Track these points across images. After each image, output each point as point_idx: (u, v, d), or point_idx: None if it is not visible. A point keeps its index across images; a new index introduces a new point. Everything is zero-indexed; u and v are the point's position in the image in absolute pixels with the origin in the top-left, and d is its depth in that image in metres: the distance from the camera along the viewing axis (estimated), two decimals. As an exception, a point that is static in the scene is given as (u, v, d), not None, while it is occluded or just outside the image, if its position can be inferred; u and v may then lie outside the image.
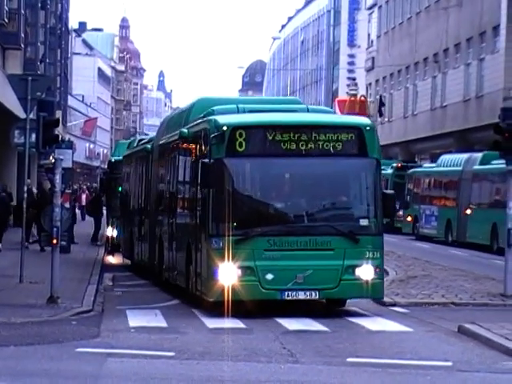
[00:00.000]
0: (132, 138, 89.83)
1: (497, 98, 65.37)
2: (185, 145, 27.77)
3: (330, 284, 22.30)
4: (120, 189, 48.75)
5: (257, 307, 21.81)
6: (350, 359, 19.41)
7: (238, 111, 27.60)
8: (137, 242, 39.48)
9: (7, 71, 48.51)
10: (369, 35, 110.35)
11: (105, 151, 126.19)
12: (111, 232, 47.81)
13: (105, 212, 57.34)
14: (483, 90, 72.72)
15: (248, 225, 22.26)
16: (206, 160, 22.44)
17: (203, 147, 23.44)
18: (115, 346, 22.22)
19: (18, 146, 42.14)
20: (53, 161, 34.27)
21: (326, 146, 22.46)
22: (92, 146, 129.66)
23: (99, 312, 28.44)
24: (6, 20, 48.15)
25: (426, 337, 23.77)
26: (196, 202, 24.63)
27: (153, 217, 34.49)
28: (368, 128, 22.64)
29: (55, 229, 29.51)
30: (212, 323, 25.23)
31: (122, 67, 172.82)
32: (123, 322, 26.83)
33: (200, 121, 25.48)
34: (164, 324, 26.78)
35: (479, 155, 60.98)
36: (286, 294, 21.99)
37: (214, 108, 27.10)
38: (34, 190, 48.82)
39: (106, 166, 65.01)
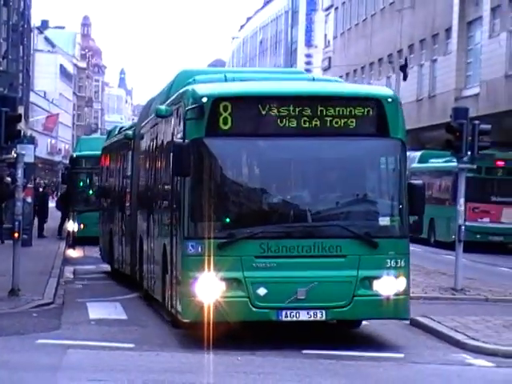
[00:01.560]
0: (96, 134, 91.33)
1: (448, 98, 68.70)
2: (162, 125, 23.73)
3: (340, 301, 17.83)
4: (82, 183, 51.56)
5: (247, 330, 18.31)
6: (304, 351, 18.70)
7: (225, 80, 23.15)
8: (117, 243, 35.19)
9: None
10: (325, 36, 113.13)
11: (66, 146, 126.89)
12: (72, 226, 48.15)
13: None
14: (435, 90, 76.10)
15: (234, 225, 17.95)
16: (180, 140, 18.70)
17: (179, 126, 19.55)
18: (75, 338, 22.21)
19: None
20: (15, 156, 33.94)
21: (336, 123, 17.94)
22: (54, 141, 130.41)
23: (60, 304, 28.34)
24: None
25: (378, 329, 22.99)
26: (171, 196, 20.76)
27: (133, 214, 30.36)
28: (390, 100, 18.21)
29: (17, 222, 29.87)
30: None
31: (83, 64, 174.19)
32: (84, 314, 26.68)
33: (177, 93, 21.40)
34: (124, 316, 26.80)
35: (418, 154, 64.15)
36: (284, 313, 17.64)
37: (196, 77, 22.84)
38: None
39: (67, 162, 65.15)
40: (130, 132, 32.10)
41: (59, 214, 58.39)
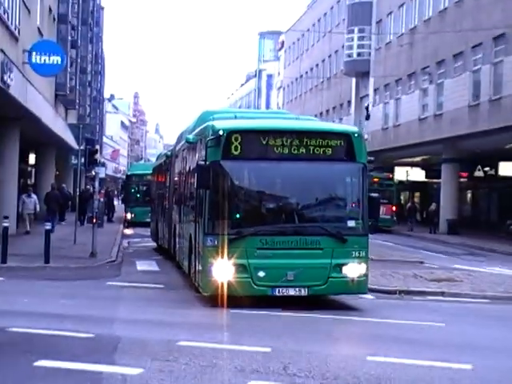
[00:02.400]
0: (141, 162, 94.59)
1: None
2: (189, 149, 23.25)
3: (318, 281, 17.79)
4: (132, 190, 56.69)
5: (249, 302, 17.62)
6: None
7: (235, 118, 22.89)
8: (160, 229, 34.55)
9: (68, 122, 52.01)
10: (277, 103, 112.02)
11: (123, 168, 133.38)
12: (128, 216, 53.71)
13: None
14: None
15: (241, 225, 17.97)
16: (203, 162, 18.27)
17: (203, 151, 18.96)
18: (129, 281, 23.57)
19: (74, 165, 53.17)
20: (93, 173, 36.97)
21: (317, 150, 17.97)
22: (116, 165, 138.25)
23: (120, 261, 30.03)
24: (68, 92, 51.34)
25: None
26: (196, 202, 20.20)
27: (170, 210, 29.61)
28: (356, 135, 18.40)
29: (95, 213, 31.71)
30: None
31: (134, 120, 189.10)
32: (133, 267, 28.64)
33: (201, 127, 21.06)
34: (157, 269, 28.54)
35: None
36: (277, 290, 17.60)
37: (214, 116, 22.47)
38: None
39: (124, 177, 69.65)
40: (169, 153, 32.07)
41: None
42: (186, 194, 23.91)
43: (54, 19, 50.97)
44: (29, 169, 57.29)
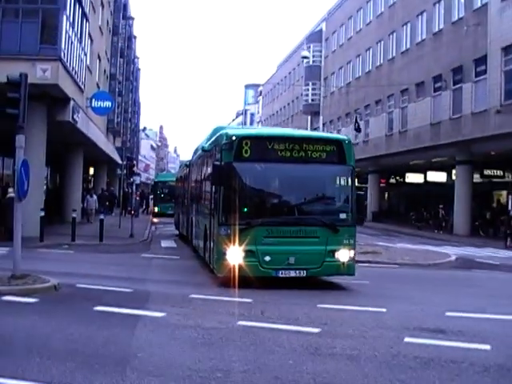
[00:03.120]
0: (164, 172, 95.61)
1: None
2: (205, 157, 20.70)
3: (315, 265, 15.77)
4: (158, 192, 55.44)
5: (255, 282, 15.39)
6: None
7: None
8: (181, 220, 31.31)
9: (115, 145, 52.58)
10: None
11: (152, 177, 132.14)
12: (155, 209, 53.14)
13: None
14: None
15: (250, 216, 15.76)
16: (218, 163, 16.27)
17: (217, 155, 17.09)
18: (156, 254, 23.54)
19: (119, 175, 54.49)
20: (132, 181, 36.65)
21: (313, 154, 16.12)
22: (147, 175, 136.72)
23: (149, 241, 29.64)
24: (116, 126, 52.40)
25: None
26: (211, 197, 17.89)
27: (189, 205, 26.53)
28: (347, 142, 16.61)
29: (133, 207, 31.18)
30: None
31: (159, 144, 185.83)
32: (159, 244, 28.39)
33: (215, 136, 19.03)
34: (175, 245, 28.31)
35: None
36: (280, 272, 15.53)
37: (226, 128, 20.91)
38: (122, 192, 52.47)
39: (153, 183, 69.91)
40: (187, 163, 29.15)
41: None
42: (203, 193, 21.03)
43: (107, 77, 51.68)
44: (89, 177, 57.61)
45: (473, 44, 37.70)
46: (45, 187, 33.41)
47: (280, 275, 15.47)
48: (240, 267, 15.09)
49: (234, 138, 15.63)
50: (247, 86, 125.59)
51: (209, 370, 8.04)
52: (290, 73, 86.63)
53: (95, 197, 39.14)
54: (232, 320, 11.16)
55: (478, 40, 37.12)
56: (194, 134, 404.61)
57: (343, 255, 15.88)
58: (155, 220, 47.20)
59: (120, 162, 45.37)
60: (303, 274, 15.63)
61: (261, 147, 15.88)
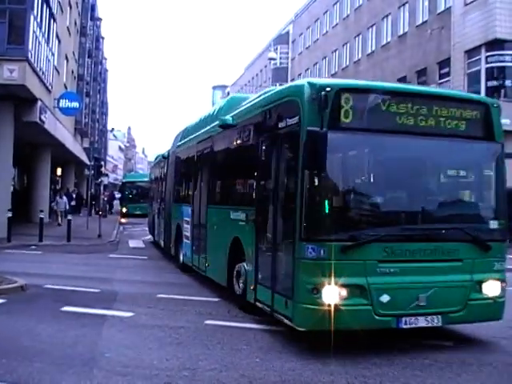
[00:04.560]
0: (132, 172, 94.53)
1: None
2: (226, 135, 13.71)
3: (455, 306, 9.53)
4: (126, 192, 53.88)
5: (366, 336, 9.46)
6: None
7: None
8: (158, 226, 24.45)
9: (83, 146, 52.13)
10: None
11: (120, 177, 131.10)
12: (124, 209, 51.37)
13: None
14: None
15: (358, 226, 9.34)
16: (316, 129, 8.80)
17: (282, 122, 10.06)
18: (124, 254, 23.25)
19: (87, 175, 48.81)
20: (100, 181, 36.47)
21: (449, 124, 9.72)
22: (115, 176, 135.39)
23: (117, 241, 29.08)
24: (83, 126, 52.36)
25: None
26: (261, 194, 11.00)
27: (175, 207, 19.75)
28: (496, 105, 10.18)
29: (100, 207, 30.48)
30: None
31: (128, 144, 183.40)
32: (127, 244, 28.03)
33: (273, 93, 11.32)
34: (143, 246, 27.93)
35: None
36: (404, 320, 9.26)
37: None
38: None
39: (121, 183, 69.51)
40: (166, 154, 22.71)
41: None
42: (225, 189, 14.14)
43: (75, 78, 51.18)
44: (57, 178, 56.43)
45: (437, 47, 37.86)
46: (12, 188, 32.85)
47: (404, 326, 9.28)
48: (338, 315, 8.75)
49: (328, 89, 9.11)
50: (215, 87, 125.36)
51: (176, 369, 8.02)
52: (257, 74, 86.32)
53: (65, 198, 38.36)
54: (200, 319, 11.11)
55: (441, 43, 37.28)
56: (161, 135, 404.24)
57: (493, 288, 9.82)
58: (123, 220, 46.85)
59: (88, 162, 45.02)
60: (437, 321, 9.48)
61: (370, 107, 9.46)
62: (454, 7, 36.35)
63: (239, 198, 12.70)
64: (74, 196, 47.07)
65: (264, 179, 10.92)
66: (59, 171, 55.80)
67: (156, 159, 28.60)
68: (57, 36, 35.06)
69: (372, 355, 8.98)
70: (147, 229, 30.92)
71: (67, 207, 38.04)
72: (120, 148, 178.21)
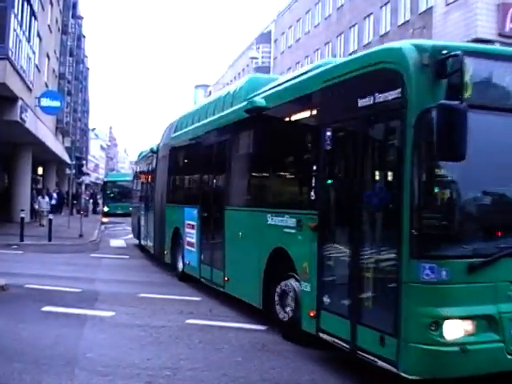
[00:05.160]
0: (114, 172, 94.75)
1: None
2: (272, 116, 10.30)
3: None
4: (107, 191, 53.73)
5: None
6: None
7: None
8: (146, 229, 21.72)
9: (64, 145, 51.37)
10: None
11: (102, 177, 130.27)
12: (105, 209, 51.00)
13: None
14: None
15: (487, 236, 6.65)
16: (454, 103, 6.04)
17: (365, 99, 7.18)
18: (105, 253, 23.20)
19: (68, 175, 50.44)
20: (81, 180, 36.17)
21: None
22: (97, 175, 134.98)
23: (99, 241, 28.98)
24: (65, 125, 52.07)
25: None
26: (328, 192, 8.25)
27: (161, 206, 17.82)
28: None
29: (82, 206, 30.36)
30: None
31: (109, 143, 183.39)
32: (108, 244, 28.11)
33: (339, 64, 8.55)
34: (125, 245, 27.96)
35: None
36: None
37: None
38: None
39: (102, 182, 69.30)
40: (154, 147, 19.80)
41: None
42: (279, 185, 10.55)
43: (56, 76, 50.73)
44: (38, 177, 56.16)
45: (418, 46, 38.32)
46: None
47: None
48: (465, 356, 6.44)
49: (445, 52, 6.68)
50: (197, 86, 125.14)
51: (157, 369, 8.03)
52: (239, 73, 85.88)
53: (47, 198, 37.98)
54: (181, 318, 11.14)
55: (423, 43, 37.79)
56: (143, 134, 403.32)
57: None
58: (105, 220, 46.69)
59: (69, 161, 44.77)
60: None
61: (502, 80, 6.99)
62: (436, 7, 36.39)
63: (285, 199, 10.09)
64: (56, 195, 46.89)
65: (333, 175, 8.50)
66: (40, 170, 55.63)
67: (140, 155, 26.65)
68: (38, 34, 34.80)
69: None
70: (129, 228, 30.77)
71: (49, 207, 37.61)
72: (102, 147, 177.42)
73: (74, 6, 60.75)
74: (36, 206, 37.79)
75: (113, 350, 8.88)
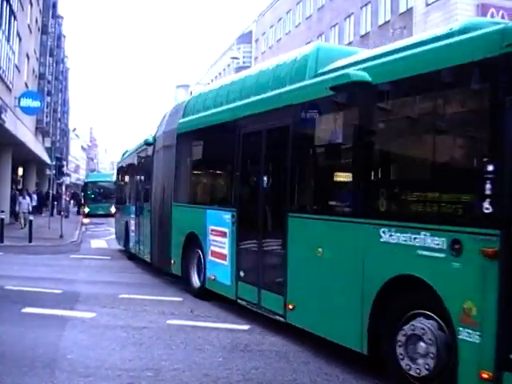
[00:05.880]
0: (95, 172, 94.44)
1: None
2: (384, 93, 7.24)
3: None
4: (88, 192, 54.23)
5: None
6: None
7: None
8: (134, 232, 19.55)
9: (44, 145, 50.97)
10: None
11: (82, 177, 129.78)
12: (85, 209, 49.71)
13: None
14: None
15: None
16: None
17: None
18: (86, 254, 23.23)
19: (48, 175, 50.70)
20: (62, 181, 35.80)
21: None
22: (78, 175, 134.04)
23: (80, 241, 29.19)
24: (45, 125, 51.91)
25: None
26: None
27: (164, 207, 15.15)
28: None
29: (63, 207, 30.13)
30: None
31: (90, 144, 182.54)
32: (89, 245, 28.11)
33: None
34: (106, 246, 28.00)
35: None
36: None
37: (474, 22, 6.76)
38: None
39: (83, 183, 68.99)
40: (150, 139, 16.89)
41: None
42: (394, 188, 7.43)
43: (36, 76, 50.66)
44: (18, 178, 55.91)
45: (399, 47, 38.47)
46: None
47: None
48: None
49: None
50: (178, 86, 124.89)
51: (139, 370, 7.99)
52: (220, 73, 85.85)
53: (28, 199, 37.41)
54: (162, 319, 11.10)
55: (403, 43, 37.95)
56: (124, 134, 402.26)
57: None
58: (86, 221, 46.46)
59: (49, 162, 44.50)
60: None
61: None
62: (416, 8, 36.81)
63: (426, 208, 6.76)
64: (36, 196, 46.68)
65: None
66: (20, 171, 55.40)
67: (124, 155, 24.42)
68: (17, 34, 34.75)
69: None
70: (110, 229, 30.83)
71: (30, 209, 37.43)
72: (82, 148, 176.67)
73: (54, 6, 60.48)
74: (17, 208, 37.41)
75: (94, 351, 8.82)
